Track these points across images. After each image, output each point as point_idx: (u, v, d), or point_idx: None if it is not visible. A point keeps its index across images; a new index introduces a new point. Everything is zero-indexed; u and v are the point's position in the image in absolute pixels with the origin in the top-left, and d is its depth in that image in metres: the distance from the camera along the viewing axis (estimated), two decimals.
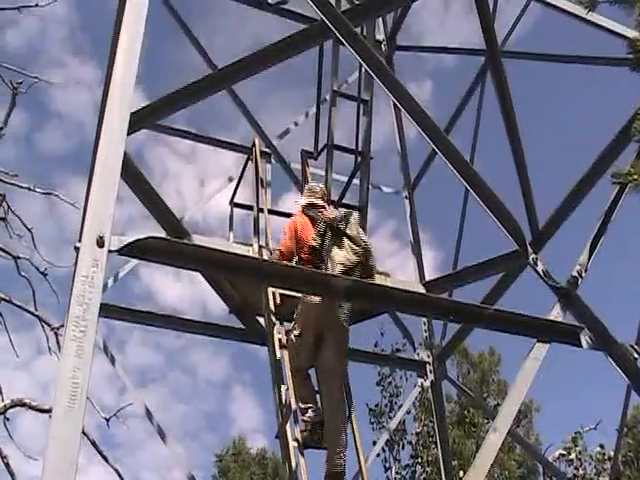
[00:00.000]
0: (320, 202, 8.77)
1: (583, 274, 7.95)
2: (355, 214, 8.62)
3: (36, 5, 17.02)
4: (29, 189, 16.99)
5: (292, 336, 8.23)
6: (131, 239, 5.34)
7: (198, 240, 8.73)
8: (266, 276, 6.46)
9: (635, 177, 5.89)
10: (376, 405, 24.12)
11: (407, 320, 12.16)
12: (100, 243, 5.03)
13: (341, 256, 7.98)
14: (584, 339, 7.35)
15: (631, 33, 7.32)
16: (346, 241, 8.11)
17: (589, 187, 8.62)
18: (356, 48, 7.33)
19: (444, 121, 12.61)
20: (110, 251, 5.13)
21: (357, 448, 7.86)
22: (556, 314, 7.64)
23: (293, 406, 7.62)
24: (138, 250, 5.47)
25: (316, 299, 7.91)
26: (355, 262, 8.01)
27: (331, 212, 8.42)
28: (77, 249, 5.07)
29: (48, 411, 14.02)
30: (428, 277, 11.71)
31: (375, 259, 8.34)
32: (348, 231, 8.17)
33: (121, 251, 5.34)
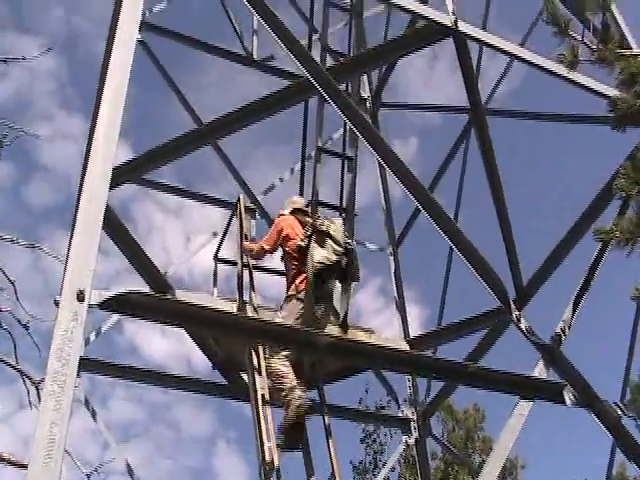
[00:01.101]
0: (304, 208, 9.23)
1: (567, 331, 7.95)
2: (339, 220, 8.95)
3: (23, 58, 17.00)
4: (12, 241, 16.89)
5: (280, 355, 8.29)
6: (112, 293, 5.31)
7: (181, 295, 8.69)
8: (248, 332, 6.43)
9: (617, 234, 5.92)
10: (360, 462, 23.88)
11: (391, 377, 12.11)
12: (80, 297, 4.99)
13: (322, 255, 8.28)
14: (568, 396, 7.33)
15: (612, 92, 7.40)
16: (329, 242, 8.36)
17: (572, 244, 8.66)
18: (340, 105, 7.37)
19: (429, 178, 12.68)
20: (90, 305, 5.10)
21: None
22: (540, 371, 7.63)
23: (276, 463, 7.54)
24: (119, 305, 5.45)
25: (318, 314, 8.22)
26: (335, 261, 8.32)
27: (317, 217, 8.77)
28: (57, 303, 5.04)
29: (27, 466, 13.80)
30: (414, 333, 11.67)
31: (358, 262, 8.71)
32: (332, 232, 8.41)
33: (102, 305, 5.30)
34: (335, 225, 8.56)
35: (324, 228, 8.45)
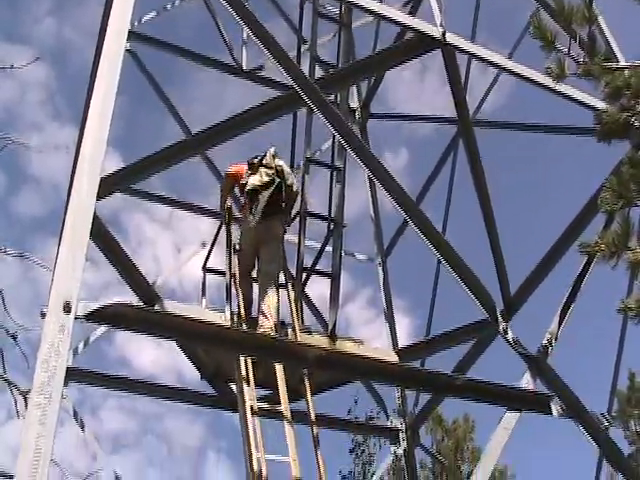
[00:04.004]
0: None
1: (553, 342, 7.98)
2: (272, 149, 9.80)
3: (11, 67, 16.86)
4: (1, 251, 16.81)
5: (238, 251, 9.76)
6: (98, 305, 5.30)
7: (170, 306, 8.67)
8: (236, 344, 6.43)
9: (602, 247, 5.94)
10: (349, 473, 23.85)
11: (380, 387, 12.08)
12: (67, 309, 4.98)
13: (252, 180, 9.47)
14: (554, 408, 7.35)
15: (599, 104, 7.44)
16: (261, 169, 9.55)
17: (559, 256, 8.69)
18: (328, 117, 7.39)
19: (419, 189, 12.69)
20: (77, 317, 5.09)
21: None
22: (527, 382, 7.66)
23: (264, 473, 7.54)
24: (106, 317, 5.44)
25: (252, 224, 9.32)
26: (267, 181, 9.43)
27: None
28: (43, 314, 5.03)
29: None
30: (403, 343, 11.66)
31: (293, 178, 9.78)
32: (264, 161, 9.59)
33: (88, 317, 5.29)
34: (267, 153, 9.65)
35: (255, 161, 9.63)
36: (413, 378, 7.13)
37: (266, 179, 9.42)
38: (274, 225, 9.53)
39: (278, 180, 9.47)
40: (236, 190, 10.26)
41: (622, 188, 5.81)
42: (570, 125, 11.47)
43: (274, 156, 9.70)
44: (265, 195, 9.37)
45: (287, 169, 9.75)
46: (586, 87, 7.96)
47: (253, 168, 9.60)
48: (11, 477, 14.65)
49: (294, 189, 9.76)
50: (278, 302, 9.34)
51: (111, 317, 5.45)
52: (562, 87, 8.09)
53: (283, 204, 9.64)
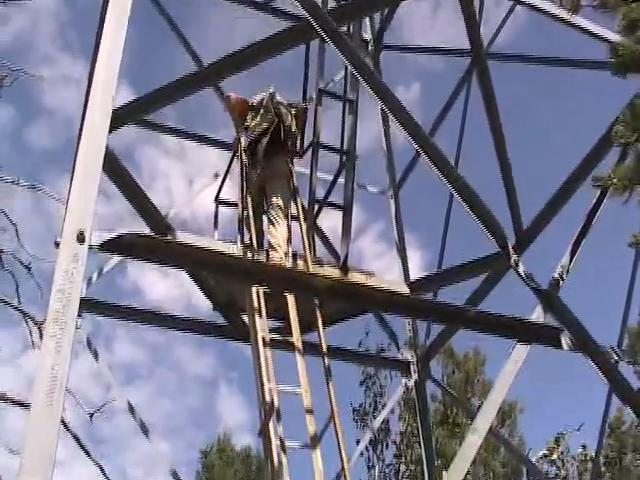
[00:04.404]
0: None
1: (565, 276, 7.99)
2: (270, 90, 9.85)
3: None
4: (14, 183, 16.87)
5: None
6: (112, 235, 5.34)
7: (182, 237, 8.73)
8: (247, 275, 6.46)
9: (615, 181, 5.93)
10: (360, 405, 24.05)
11: (392, 320, 12.14)
12: (80, 238, 5.02)
13: (252, 125, 9.61)
14: (565, 341, 7.38)
15: (613, 37, 7.36)
16: (262, 112, 9.59)
17: (572, 190, 8.66)
18: (340, 47, 7.33)
19: (431, 123, 12.61)
20: (91, 247, 5.13)
21: (340, 447, 7.85)
22: (537, 316, 7.68)
23: (276, 404, 7.63)
24: (119, 246, 5.48)
25: (254, 177, 9.52)
26: (266, 126, 9.51)
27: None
28: (57, 244, 5.07)
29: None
30: (414, 277, 11.67)
31: (291, 119, 9.74)
32: (264, 102, 9.65)
33: (102, 247, 5.33)
34: (266, 96, 9.68)
35: (255, 102, 9.76)
36: (424, 309, 7.16)
37: (265, 125, 9.52)
38: (277, 163, 9.67)
39: (275, 123, 9.53)
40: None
41: (636, 121, 5.78)
42: (585, 58, 11.34)
43: (272, 98, 9.72)
44: (263, 143, 9.44)
45: (284, 110, 9.76)
46: (601, 21, 7.90)
47: (254, 110, 9.68)
48: (27, 406, 14.88)
49: (292, 129, 9.79)
50: (289, 234, 9.39)
51: (124, 247, 5.48)
52: (577, 19, 8.01)
53: (287, 143, 9.76)
